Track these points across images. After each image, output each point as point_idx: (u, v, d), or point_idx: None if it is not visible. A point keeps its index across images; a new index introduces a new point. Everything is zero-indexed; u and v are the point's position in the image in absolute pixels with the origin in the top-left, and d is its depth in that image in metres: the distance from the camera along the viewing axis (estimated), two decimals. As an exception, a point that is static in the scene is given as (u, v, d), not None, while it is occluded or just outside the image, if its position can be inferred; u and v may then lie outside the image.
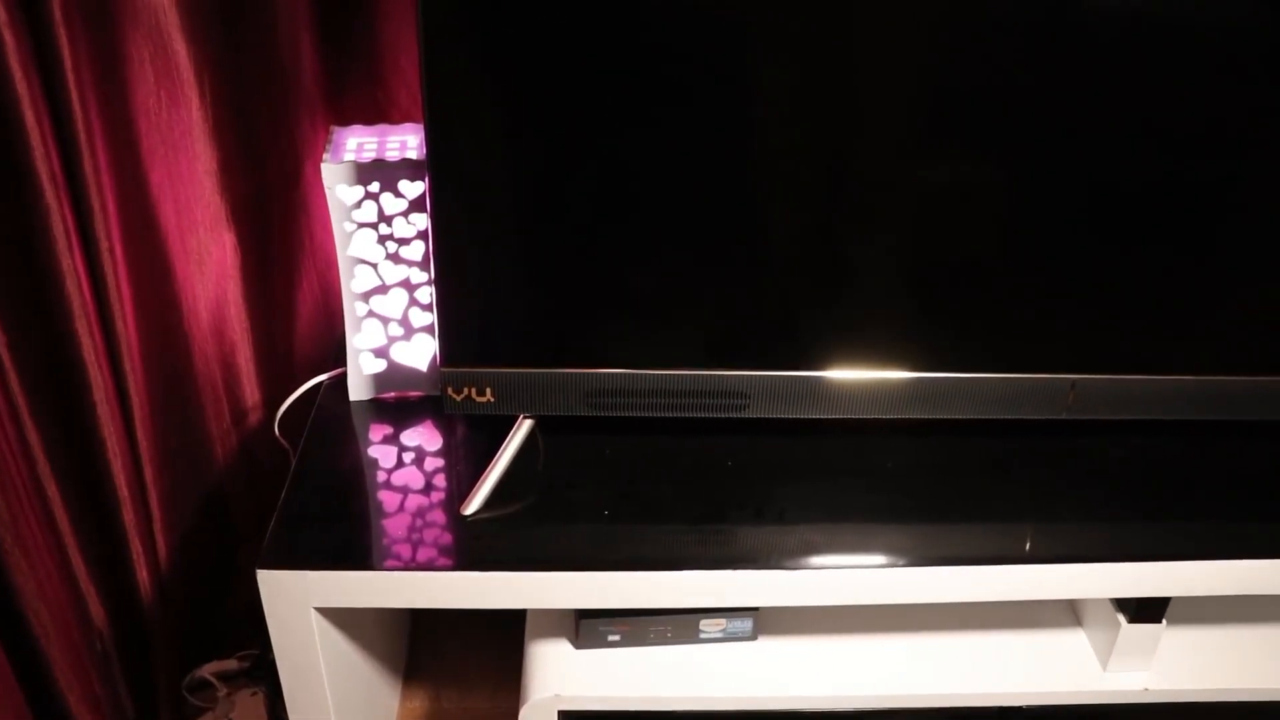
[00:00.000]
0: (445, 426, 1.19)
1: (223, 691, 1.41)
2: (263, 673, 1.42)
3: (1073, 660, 1.16)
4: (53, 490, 1.18)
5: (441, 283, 0.99)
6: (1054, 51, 0.92)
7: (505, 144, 0.94)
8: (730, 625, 1.14)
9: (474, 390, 1.03)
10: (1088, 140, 0.96)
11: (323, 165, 1.10)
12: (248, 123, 1.24)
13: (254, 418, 1.41)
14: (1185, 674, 1.16)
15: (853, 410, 1.07)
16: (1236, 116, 0.96)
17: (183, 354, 1.29)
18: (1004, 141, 0.96)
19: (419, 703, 1.48)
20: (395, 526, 1.04)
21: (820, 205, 0.99)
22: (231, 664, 1.44)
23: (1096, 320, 1.06)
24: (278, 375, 1.40)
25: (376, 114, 1.31)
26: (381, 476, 1.11)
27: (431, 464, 1.14)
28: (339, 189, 1.11)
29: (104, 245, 1.11)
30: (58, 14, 1.01)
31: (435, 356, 1.19)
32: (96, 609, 1.29)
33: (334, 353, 1.29)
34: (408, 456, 1.14)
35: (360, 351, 1.20)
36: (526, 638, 1.16)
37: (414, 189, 1.11)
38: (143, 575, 1.30)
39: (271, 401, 1.38)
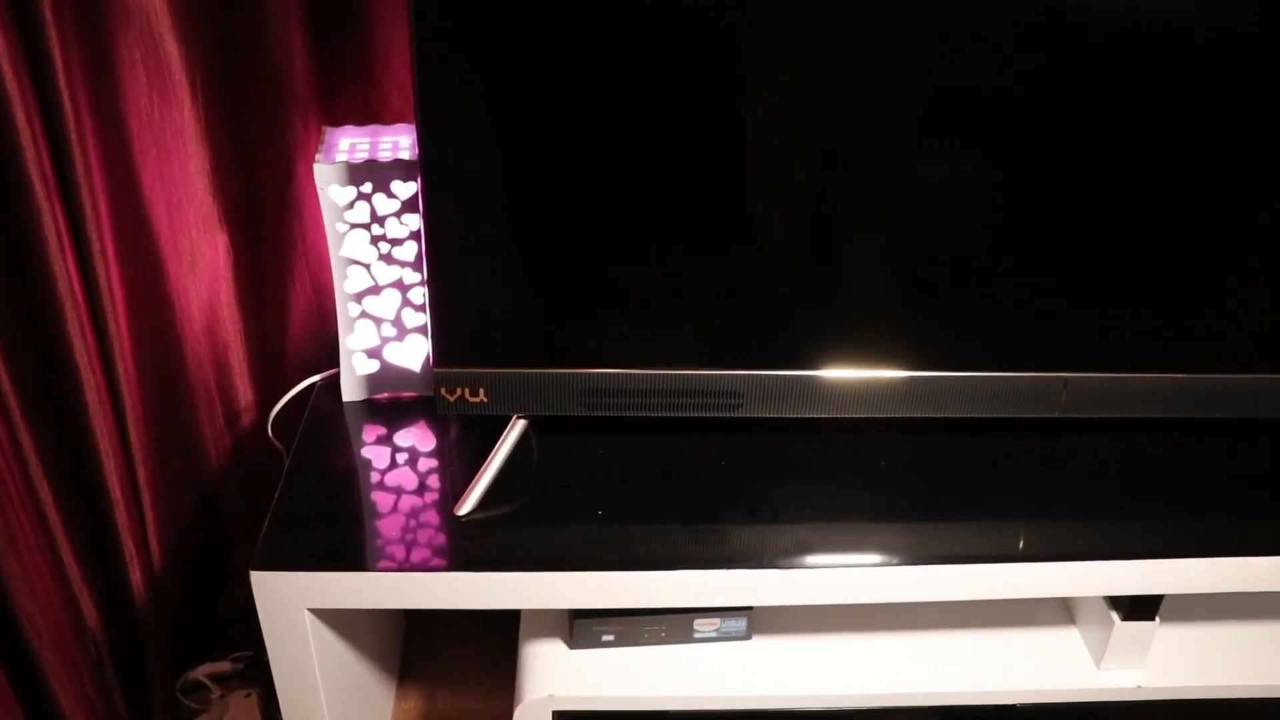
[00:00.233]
0: (438, 427, 1.19)
1: (216, 693, 1.41)
2: (256, 674, 1.42)
3: (1066, 658, 1.17)
4: (45, 492, 1.18)
5: (434, 283, 0.99)
6: (1047, 50, 0.92)
7: (497, 144, 0.94)
8: (724, 625, 1.14)
9: (467, 390, 1.03)
10: (1081, 139, 0.96)
11: (315, 166, 1.10)
12: (240, 123, 1.24)
13: (247, 419, 1.41)
14: (1178, 671, 1.16)
15: (845, 409, 1.07)
16: (1229, 115, 0.97)
17: (175, 355, 1.29)
18: (997, 140, 0.96)
19: (413, 703, 1.48)
20: (389, 527, 1.04)
21: (813, 204, 0.99)
22: (225, 665, 1.44)
23: (1089, 319, 1.06)
24: (271, 376, 1.40)
25: (369, 114, 1.31)
26: (375, 477, 1.11)
27: (425, 464, 1.13)
28: (331, 190, 1.11)
29: (96, 246, 1.11)
30: (48, 14, 1.00)
31: (428, 357, 1.18)
32: (89, 611, 1.29)
33: (327, 353, 1.29)
34: (401, 457, 1.14)
35: (353, 352, 1.20)
36: (520, 638, 1.16)
37: (406, 189, 1.11)
38: (136, 577, 1.30)
39: (264, 402, 1.38)
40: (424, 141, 0.93)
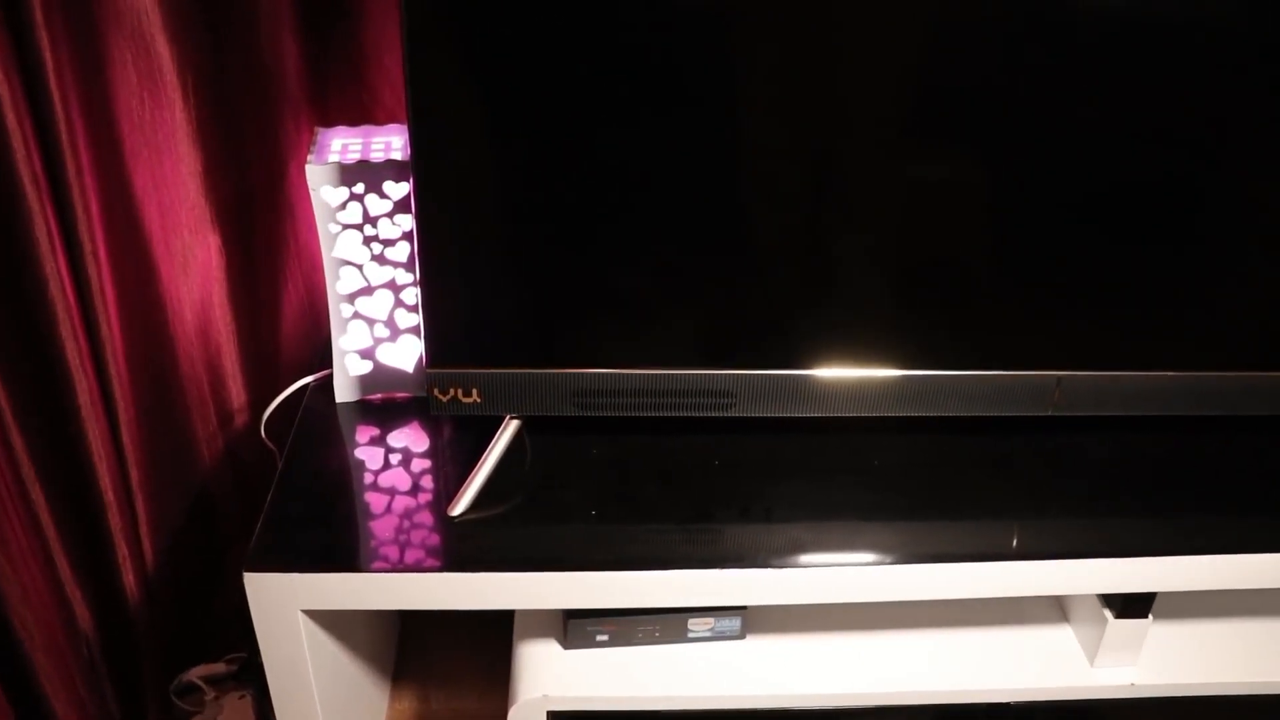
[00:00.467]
0: (432, 427, 1.19)
1: (210, 695, 1.41)
2: (250, 676, 1.42)
3: (1060, 656, 1.17)
4: (37, 494, 1.18)
5: (427, 284, 0.99)
6: (1038, 50, 0.93)
7: (490, 144, 0.94)
8: (718, 624, 1.14)
9: (460, 391, 1.03)
10: (1074, 138, 0.97)
11: (307, 166, 1.10)
12: (232, 124, 1.24)
13: (240, 420, 1.41)
14: (1172, 669, 1.16)
15: (838, 409, 1.07)
16: (1221, 113, 0.97)
17: (168, 357, 1.29)
18: (989, 139, 0.97)
19: (407, 704, 1.48)
20: (382, 528, 1.04)
21: (806, 204, 0.99)
22: (219, 667, 1.43)
23: (1082, 317, 1.06)
24: (263, 377, 1.40)
25: (361, 115, 1.31)
26: (368, 478, 1.11)
27: (418, 465, 1.13)
28: (323, 190, 1.11)
29: (88, 248, 1.11)
30: (39, 16, 1.00)
31: (421, 357, 1.18)
32: (82, 613, 1.28)
33: (320, 354, 1.29)
34: (394, 458, 1.14)
35: (346, 353, 1.19)
36: (515, 638, 1.16)
37: (399, 190, 1.11)
38: (129, 579, 1.30)
39: (257, 403, 1.38)
40: (416, 142, 0.93)
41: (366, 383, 1.22)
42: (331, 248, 1.13)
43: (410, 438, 1.18)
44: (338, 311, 1.17)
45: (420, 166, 0.94)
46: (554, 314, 1.01)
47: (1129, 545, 1.06)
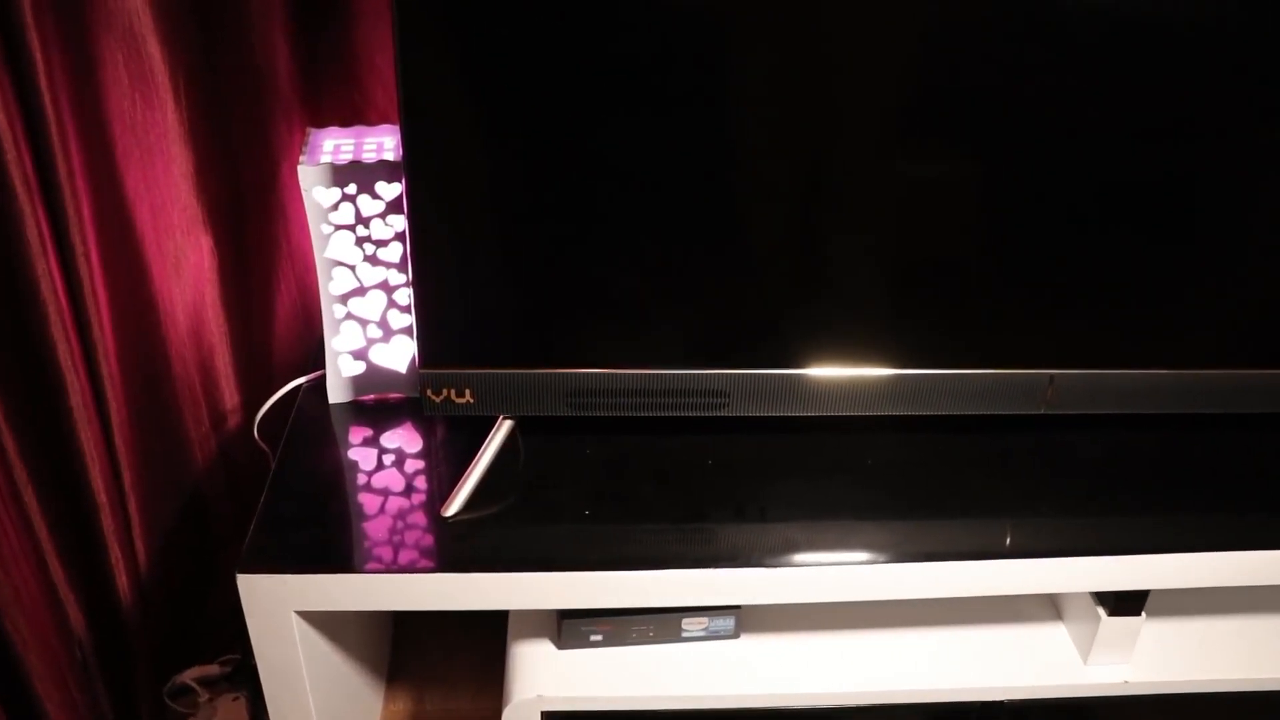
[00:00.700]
0: (425, 428, 1.19)
1: (204, 697, 1.41)
2: (244, 677, 1.41)
3: (1054, 654, 1.17)
4: (30, 496, 1.17)
5: (419, 284, 0.99)
6: (1029, 48, 0.93)
7: (482, 144, 0.94)
8: (712, 624, 1.14)
9: (453, 391, 1.03)
10: (1065, 137, 0.97)
11: (299, 167, 1.10)
12: (223, 125, 1.23)
13: (233, 421, 1.41)
14: (1165, 666, 1.16)
15: (832, 408, 1.07)
16: (1211, 112, 0.97)
17: (160, 358, 1.29)
18: (981, 138, 0.97)
19: (402, 705, 1.48)
20: (376, 529, 1.04)
21: (798, 204, 0.99)
22: (213, 669, 1.43)
23: (1074, 315, 1.06)
24: (256, 378, 1.39)
25: (353, 115, 1.31)
26: (361, 479, 1.11)
27: (411, 466, 1.13)
28: (316, 191, 1.11)
29: (79, 250, 1.11)
30: (29, 17, 1.00)
31: (414, 358, 1.18)
32: (75, 615, 1.28)
33: (313, 355, 1.28)
34: (388, 459, 1.14)
35: (339, 354, 1.19)
36: (509, 639, 1.16)
37: (391, 190, 1.11)
38: (122, 580, 1.30)
39: (250, 404, 1.38)
40: (408, 142, 0.93)
41: (360, 383, 1.22)
42: (324, 248, 1.13)
43: (403, 438, 1.17)
44: (330, 312, 1.17)
45: (412, 167, 0.94)
46: (547, 314, 1.01)
47: (1122, 543, 1.06)
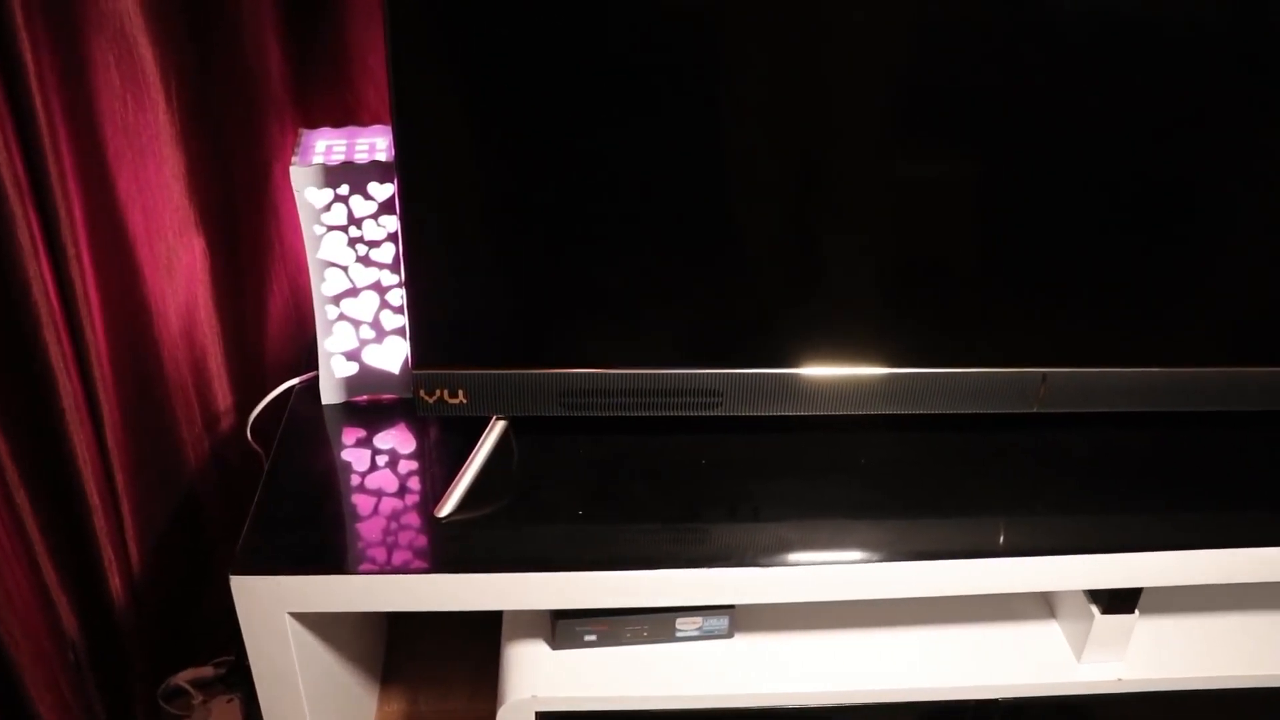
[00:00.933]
0: (418, 429, 1.19)
1: (198, 699, 1.40)
2: (238, 679, 1.41)
3: (1047, 652, 1.17)
4: (22, 498, 1.17)
5: (412, 285, 0.99)
6: (1022, 47, 0.93)
7: (474, 144, 0.94)
8: (706, 623, 1.14)
9: (446, 392, 1.03)
10: (1058, 136, 0.97)
11: (291, 168, 1.09)
12: (215, 126, 1.23)
13: (226, 422, 1.40)
14: (1158, 664, 1.17)
15: (825, 407, 1.07)
16: (1203, 111, 0.97)
17: (153, 360, 1.28)
18: (975, 137, 0.97)
19: (397, 706, 1.48)
20: (369, 530, 1.04)
21: (792, 203, 0.99)
22: (207, 671, 1.43)
23: (1067, 314, 1.06)
24: (249, 379, 1.39)
25: (345, 116, 1.31)
26: (355, 480, 1.11)
27: (405, 467, 1.13)
28: (308, 192, 1.10)
29: (71, 252, 1.11)
30: (19, 18, 1.00)
31: (407, 359, 1.18)
32: (68, 617, 1.28)
33: (305, 356, 1.28)
34: (381, 459, 1.14)
35: (332, 355, 1.19)
36: (503, 639, 1.16)
37: (383, 191, 1.11)
38: (115, 582, 1.29)
39: (243, 406, 1.38)
40: (400, 142, 0.92)
41: (352, 384, 1.21)
42: (316, 249, 1.13)
43: (397, 439, 1.17)
44: (323, 313, 1.16)
45: (405, 167, 0.94)
46: (540, 314, 1.01)
47: (1115, 541, 1.07)
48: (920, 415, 1.10)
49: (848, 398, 1.07)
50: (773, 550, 1.03)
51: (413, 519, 1.06)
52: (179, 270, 1.27)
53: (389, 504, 1.07)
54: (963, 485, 1.14)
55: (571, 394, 1.04)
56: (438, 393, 1.03)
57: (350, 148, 1.14)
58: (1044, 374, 1.08)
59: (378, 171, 1.10)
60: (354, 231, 1.13)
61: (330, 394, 1.22)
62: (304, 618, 1.05)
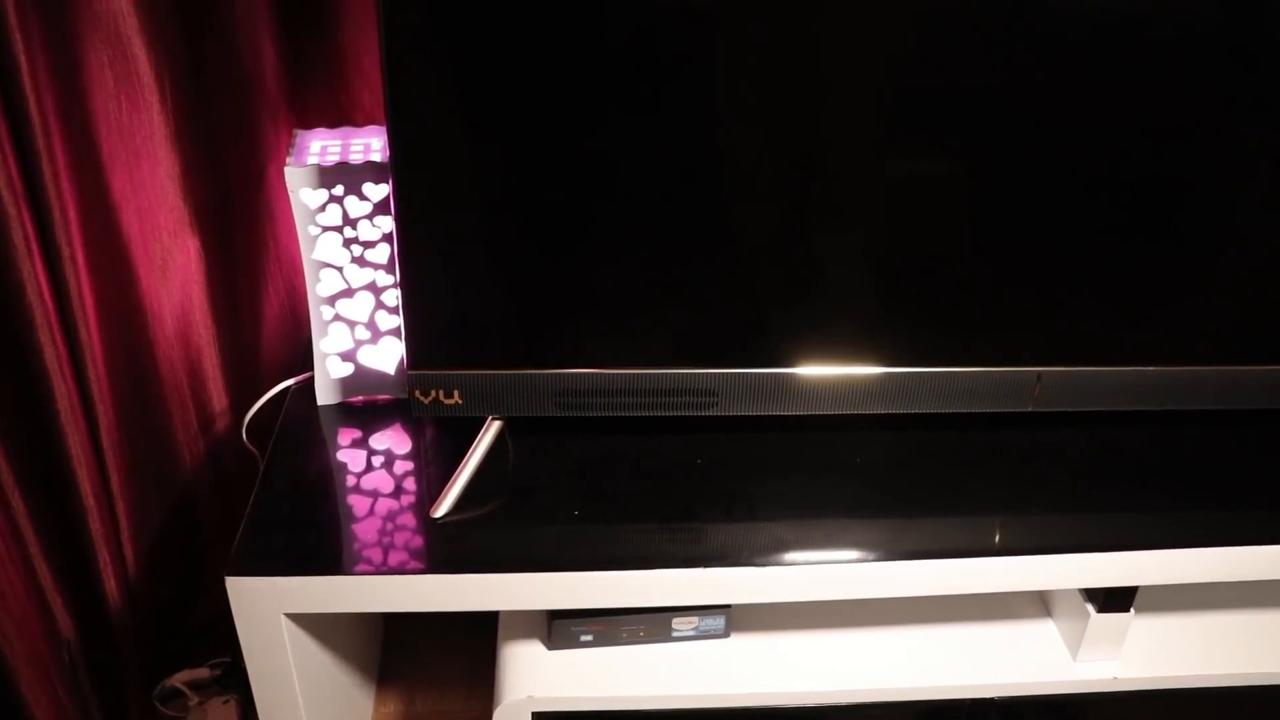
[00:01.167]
0: (414, 429, 1.19)
1: (194, 701, 1.40)
2: (234, 680, 1.41)
3: (1043, 651, 1.17)
4: (17, 500, 1.17)
5: (407, 285, 0.99)
6: (1015, 47, 0.93)
7: (469, 145, 0.93)
8: (702, 623, 1.14)
9: (442, 393, 1.03)
10: (1052, 135, 0.97)
11: (286, 169, 1.09)
12: (210, 126, 1.23)
13: (221, 423, 1.40)
14: (1154, 662, 1.17)
15: (820, 406, 1.07)
16: (1197, 110, 0.97)
17: (148, 361, 1.28)
18: (969, 137, 0.97)
19: (393, 707, 1.48)
20: (365, 531, 1.04)
21: (787, 203, 0.99)
22: (203, 672, 1.43)
23: (1061, 313, 1.06)
24: (245, 380, 1.39)
25: (339, 116, 1.31)
26: (350, 481, 1.11)
27: (400, 467, 1.13)
28: (303, 192, 1.10)
29: (65, 252, 1.10)
30: (13, 18, 0.99)
31: (402, 359, 1.18)
32: (63, 619, 1.28)
33: (301, 357, 1.28)
34: (376, 460, 1.14)
35: (327, 355, 1.19)
36: (499, 639, 1.16)
37: (378, 191, 1.11)
38: (110, 584, 1.29)
39: (239, 407, 1.37)
40: (395, 143, 0.92)
41: (348, 385, 1.21)
42: (311, 250, 1.13)
43: (392, 440, 1.17)
44: (318, 314, 1.16)
45: (399, 168, 0.94)
46: (535, 314, 1.01)
47: (1111, 540, 1.07)
48: (916, 414, 1.10)
49: (843, 397, 1.07)
50: (769, 550, 1.03)
51: (408, 520, 1.06)
52: (174, 271, 1.27)
53: (384, 505, 1.07)
54: (958, 484, 1.14)
55: (567, 394, 1.04)
56: (433, 393, 1.03)
57: (345, 148, 1.14)
58: (1039, 373, 1.09)
59: (372, 172, 1.10)
60: (349, 232, 1.13)
61: (326, 395, 1.22)
62: (300, 619, 1.05)
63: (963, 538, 1.06)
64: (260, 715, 1.09)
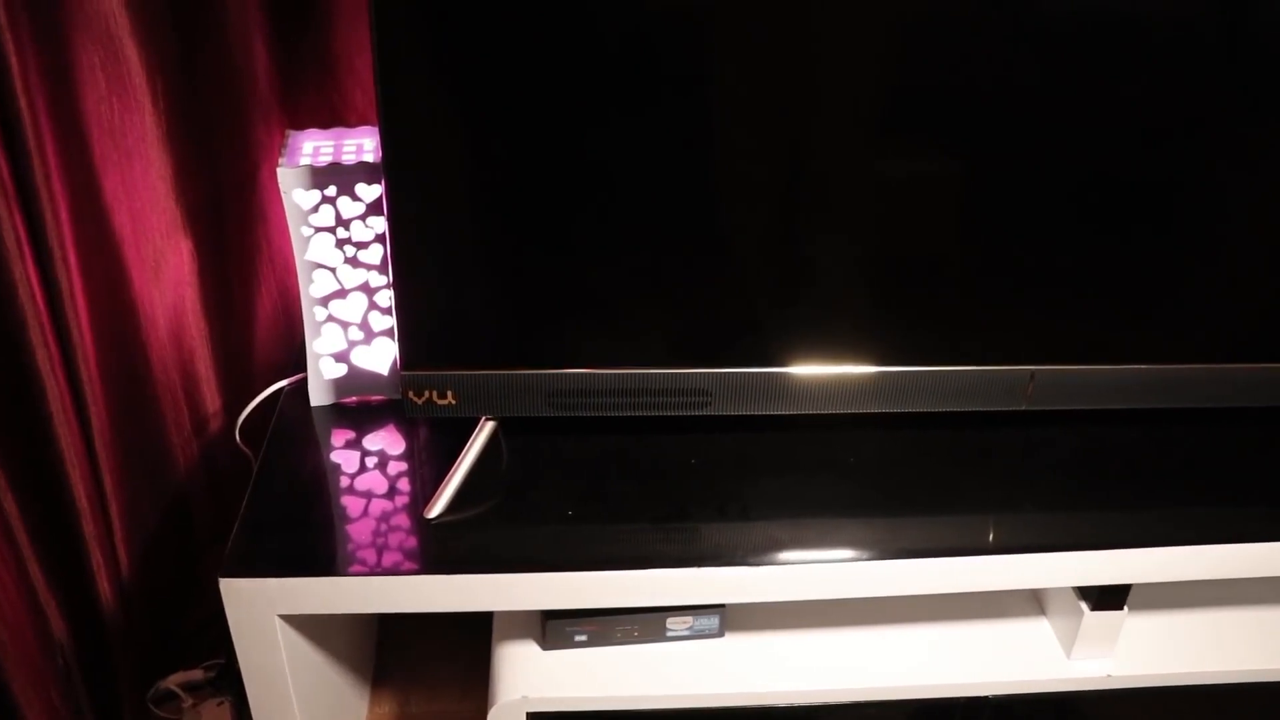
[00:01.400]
0: (407, 430, 1.19)
1: (188, 702, 1.40)
2: (228, 682, 1.41)
3: (1037, 649, 1.18)
4: (9, 502, 1.17)
5: (400, 286, 0.99)
6: (1008, 46, 0.93)
7: (462, 145, 0.93)
8: (697, 623, 1.14)
9: (435, 393, 1.03)
10: (1045, 135, 0.97)
11: (278, 169, 1.09)
12: (202, 127, 1.23)
13: (214, 425, 1.40)
14: (1148, 660, 1.17)
15: (814, 406, 1.07)
16: (1191, 109, 0.97)
17: (141, 362, 1.28)
18: (962, 135, 0.97)
19: (387, 708, 1.48)
20: (359, 532, 1.04)
21: (780, 202, 0.99)
22: (197, 674, 1.43)
23: (1055, 312, 1.07)
24: (238, 381, 1.39)
25: (332, 117, 1.30)
26: (344, 482, 1.11)
27: (394, 468, 1.13)
28: (295, 193, 1.10)
29: (57, 254, 1.10)
30: (4, 19, 0.99)
31: (396, 360, 1.18)
32: (56, 621, 1.27)
33: (294, 358, 1.28)
34: (370, 461, 1.14)
35: (320, 356, 1.19)
36: (493, 640, 1.16)
37: (371, 192, 1.11)
38: (104, 586, 1.29)
39: (232, 408, 1.37)
40: (387, 143, 0.92)
41: (341, 386, 1.21)
42: (304, 251, 1.13)
43: (386, 440, 1.17)
44: (311, 315, 1.16)
45: (392, 168, 0.93)
46: (529, 314, 1.01)
47: (1104, 538, 1.07)
48: (909, 414, 1.10)
49: (837, 396, 1.07)
50: (763, 549, 1.04)
51: (402, 520, 1.06)
52: (166, 272, 1.26)
53: (378, 505, 1.07)
54: (952, 483, 1.14)
55: (560, 394, 1.04)
56: (426, 394, 1.03)
57: (337, 149, 1.14)
58: (1032, 372, 1.09)
59: (365, 173, 1.10)
60: (342, 233, 1.13)
61: (319, 395, 1.21)
62: (294, 620, 1.05)
63: (956, 536, 1.07)
64: (254, 717, 1.09)
